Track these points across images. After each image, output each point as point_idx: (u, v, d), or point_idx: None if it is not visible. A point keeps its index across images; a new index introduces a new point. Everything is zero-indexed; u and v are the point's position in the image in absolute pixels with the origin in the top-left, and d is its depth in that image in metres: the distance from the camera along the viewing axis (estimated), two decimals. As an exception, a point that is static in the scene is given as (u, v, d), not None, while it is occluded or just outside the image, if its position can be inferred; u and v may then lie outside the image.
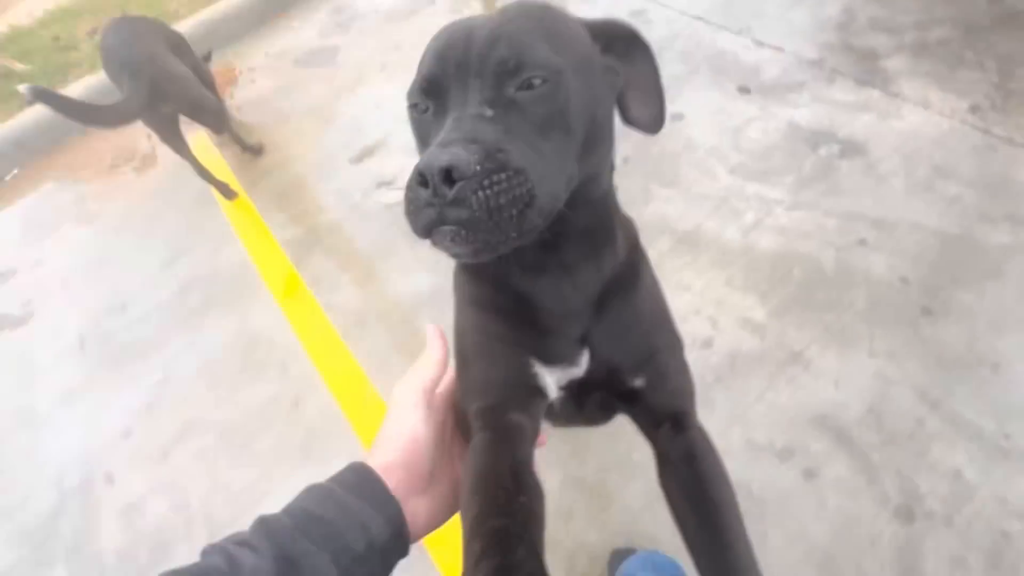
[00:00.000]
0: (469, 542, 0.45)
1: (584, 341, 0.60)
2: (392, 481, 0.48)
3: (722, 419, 1.40)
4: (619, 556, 1.23)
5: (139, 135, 2.85)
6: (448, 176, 0.40)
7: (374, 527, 0.45)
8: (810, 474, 1.30)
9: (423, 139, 0.51)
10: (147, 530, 1.58)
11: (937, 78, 1.92)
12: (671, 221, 1.80)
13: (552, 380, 0.60)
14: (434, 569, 1.32)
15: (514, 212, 0.41)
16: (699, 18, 2.42)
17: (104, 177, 2.74)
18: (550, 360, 0.60)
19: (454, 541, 1.32)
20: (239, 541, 0.43)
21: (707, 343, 1.54)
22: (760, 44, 2.24)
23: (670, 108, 2.12)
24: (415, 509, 0.49)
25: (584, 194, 0.52)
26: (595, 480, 1.37)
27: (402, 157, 2.29)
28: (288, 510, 0.46)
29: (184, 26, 3.05)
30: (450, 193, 0.40)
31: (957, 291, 1.48)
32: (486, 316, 0.62)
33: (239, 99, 2.84)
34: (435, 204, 0.41)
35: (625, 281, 0.60)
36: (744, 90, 2.11)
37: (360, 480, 0.47)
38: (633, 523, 1.30)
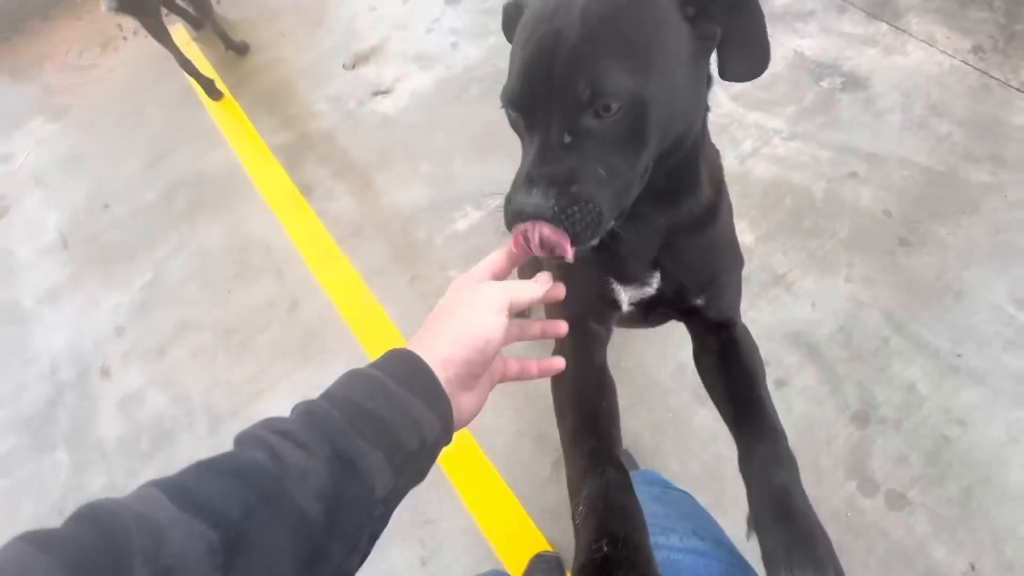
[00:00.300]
0: (572, 453, 0.57)
1: (656, 265, 0.67)
2: (446, 375, 0.45)
3: (705, 333, 1.49)
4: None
5: (107, 21, 2.64)
6: (535, 219, 0.49)
7: (427, 425, 0.41)
8: (781, 383, 1.41)
9: (519, 135, 0.56)
10: (147, 420, 1.63)
11: (946, 15, 1.92)
12: None
13: (626, 296, 0.69)
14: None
15: (588, 231, 0.50)
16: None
17: (71, 69, 2.55)
18: (626, 280, 0.68)
19: (466, 460, 1.41)
20: (281, 431, 0.37)
21: (697, 264, 1.60)
22: (775, -32, 2.17)
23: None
24: (460, 404, 0.47)
25: (667, 155, 0.55)
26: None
27: (399, 65, 2.20)
28: (334, 400, 0.41)
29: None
30: (539, 221, 0.50)
31: (934, 224, 1.56)
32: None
33: (218, -8, 2.63)
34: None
35: (702, 220, 0.65)
36: (754, 16, 2.06)
37: (413, 373, 0.43)
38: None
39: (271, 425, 0.38)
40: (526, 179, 0.49)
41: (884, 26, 1.94)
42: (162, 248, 1.94)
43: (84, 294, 1.90)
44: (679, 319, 0.73)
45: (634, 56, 0.49)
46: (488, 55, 2.14)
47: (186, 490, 0.32)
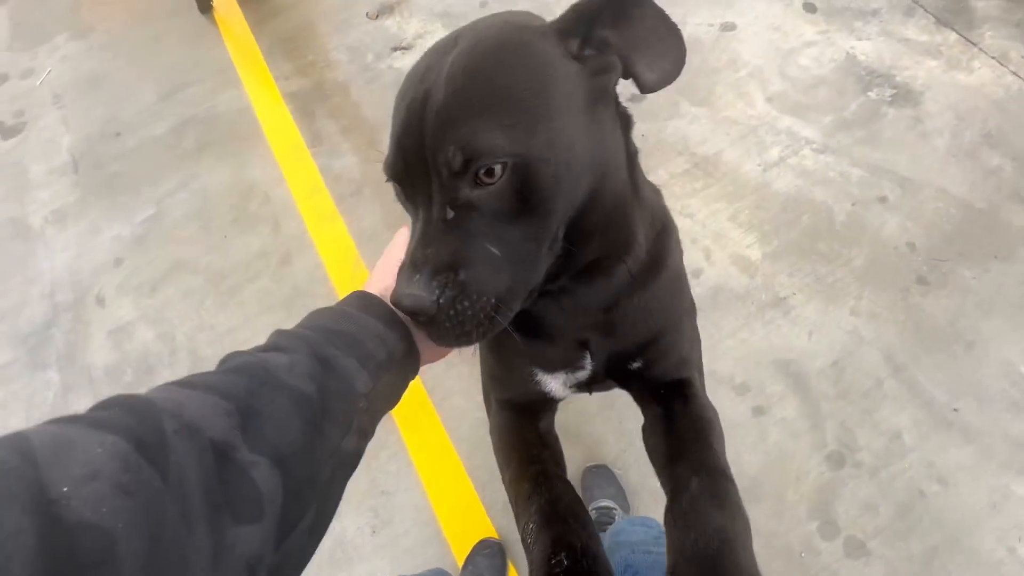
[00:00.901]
0: (516, 483, 0.54)
1: (587, 344, 0.58)
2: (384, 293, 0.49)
3: (691, 347, 1.43)
4: (591, 472, 1.33)
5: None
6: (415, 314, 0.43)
7: (390, 340, 0.46)
8: (759, 411, 1.36)
9: (405, 209, 0.50)
10: (134, 353, 1.67)
11: (1025, 32, 1.72)
12: (692, 143, 1.70)
13: (557, 384, 0.62)
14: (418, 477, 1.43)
15: (480, 326, 0.43)
16: (785, -90, 2.09)
17: (101, -13, 2.51)
18: (553, 368, 0.60)
19: (429, 438, 1.41)
20: (261, 348, 0.42)
21: (696, 273, 1.53)
22: (844, -45, 1.96)
23: (724, 15, 1.91)
24: (419, 338, 0.51)
25: (584, 217, 0.47)
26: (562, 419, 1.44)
27: (424, 20, 2.09)
28: (304, 325, 0.46)
29: None
30: (421, 320, 0.44)
31: (960, 266, 1.45)
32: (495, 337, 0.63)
33: (252, -81, 2.52)
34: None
35: (642, 279, 0.55)
36: (810, 8, 1.88)
37: (367, 303, 0.48)
38: (599, 446, 1.39)
39: (250, 350, 0.41)
40: (409, 264, 0.43)
41: (953, 36, 1.75)
42: (166, 184, 1.94)
43: (88, 220, 1.93)
44: (622, 387, 0.63)
45: (510, 112, 0.41)
46: (517, 20, 2.02)
47: (192, 382, 0.36)
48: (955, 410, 1.31)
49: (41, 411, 1.62)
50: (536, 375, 0.61)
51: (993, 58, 1.69)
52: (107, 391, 1.61)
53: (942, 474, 1.25)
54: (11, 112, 2.23)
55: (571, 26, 0.45)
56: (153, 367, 1.63)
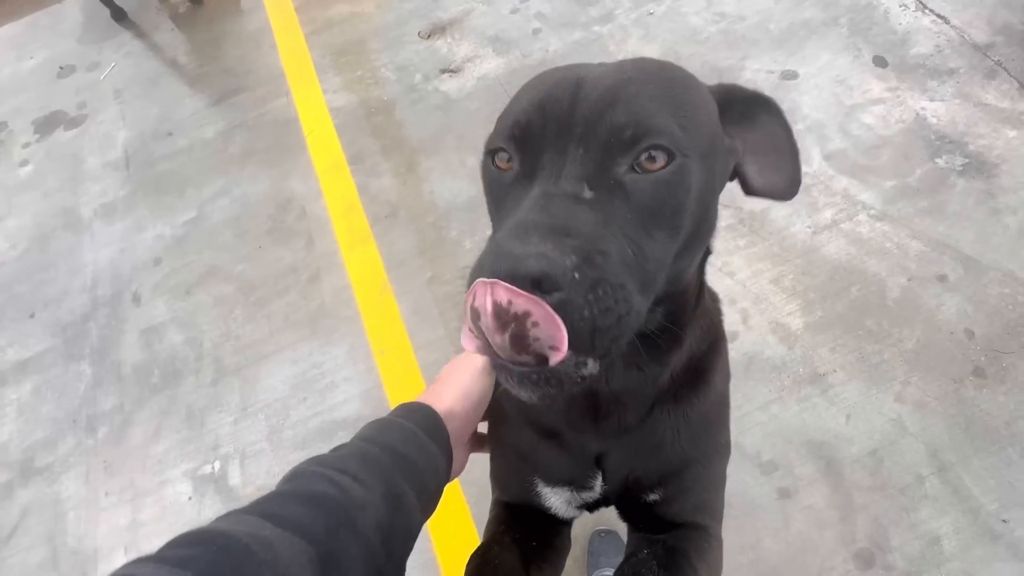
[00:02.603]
0: None
1: (601, 460, 0.53)
2: (449, 428, 0.51)
3: (718, 416, 1.37)
4: (599, 537, 1.28)
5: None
6: (537, 285, 0.30)
7: (442, 471, 0.49)
8: (785, 493, 1.28)
9: (498, 202, 0.41)
10: (162, 355, 1.71)
11: (1121, 107, 1.58)
12: (739, 196, 1.59)
13: (560, 502, 0.56)
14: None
15: (611, 333, 0.33)
16: (862, -46, 1.99)
17: (169, -14, 2.60)
18: (557, 481, 0.55)
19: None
20: (340, 469, 0.42)
21: (731, 337, 1.46)
22: (922, 7, 1.85)
23: (786, 62, 1.83)
24: (456, 455, 0.54)
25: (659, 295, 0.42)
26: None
27: (474, 44, 2.08)
28: (380, 445, 0.47)
29: None
30: (546, 290, 0.31)
31: (1022, 361, 1.33)
32: (504, 414, 0.58)
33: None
34: None
35: (681, 390, 0.50)
36: (880, 62, 1.78)
37: (433, 426, 0.50)
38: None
39: (327, 462, 0.43)
40: (523, 224, 0.33)
41: (1037, 105, 1.62)
42: (210, 188, 1.98)
43: (134, 217, 1.99)
44: (624, 518, 0.57)
45: (682, 116, 0.38)
46: (570, 51, 1.98)
47: (277, 515, 0.36)
48: (1004, 521, 1.20)
49: (71, 403, 1.68)
50: (536, 486, 0.55)
51: (1082, 133, 1.56)
52: (133, 391, 1.66)
53: (983, 591, 1.15)
54: (75, 104, 2.32)
55: (714, 95, 0.44)
56: (179, 371, 1.67)
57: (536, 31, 2.06)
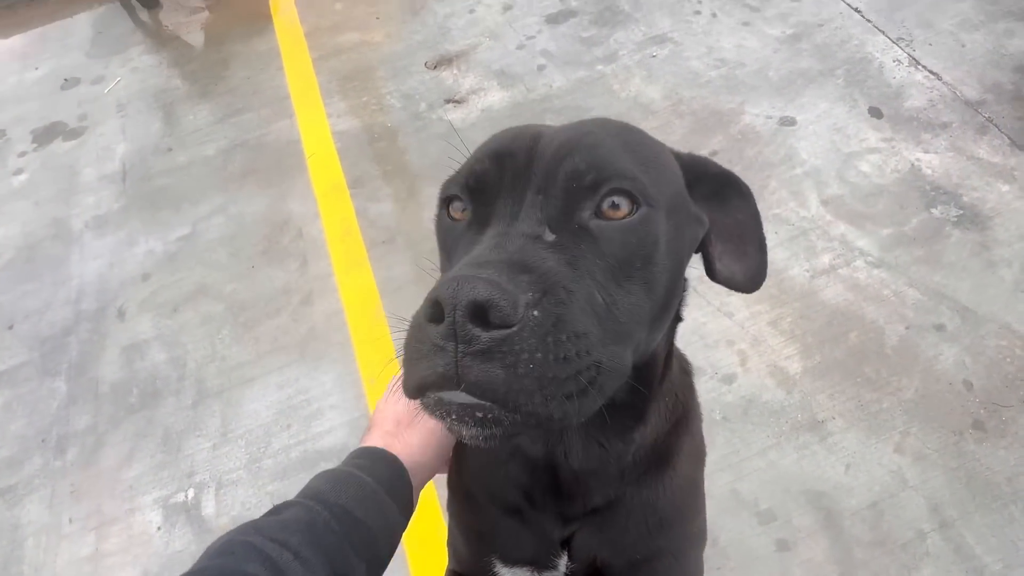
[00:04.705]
0: None
1: (567, 541, 0.49)
2: (414, 480, 0.48)
3: (715, 460, 1.33)
4: None
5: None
6: (482, 314, 0.27)
7: (399, 532, 0.45)
8: (784, 545, 1.24)
9: (449, 252, 0.39)
10: (143, 373, 1.65)
11: (1109, 167, 1.62)
12: None
13: None
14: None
15: (574, 389, 0.29)
16: (857, 10, 2.06)
17: (181, 7, 2.64)
18: (516, 560, 0.50)
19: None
20: (281, 541, 0.37)
21: (728, 379, 1.43)
22: (915, 63, 1.91)
23: (785, 108, 1.87)
24: (418, 477, 0.51)
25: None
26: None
27: (480, 76, 2.11)
28: (331, 508, 0.41)
29: None
30: (483, 336, 0.27)
31: (1023, 415, 1.32)
32: (463, 486, 0.54)
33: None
34: (449, 350, 0.28)
35: (646, 476, 0.47)
36: (876, 113, 1.83)
37: (397, 482, 0.46)
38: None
39: (267, 530, 0.38)
40: (467, 263, 0.31)
41: (1028, 161, 1.66)
42: (206, 205, 1.96)
43: (126, 231, 1.96)
44: None
45: (644, 166, 0.36)
46: (572, 88, 2.02)
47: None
48: (1008, 583, 1.16)
49: (42, 421, 1.60)
50: (494, 565, 0.51)
51: (1071, 191, 1.59)
52: (108, 411, 1.59)
53: (988, 659, 1.10)
54: (75, 115, 2.32)
55: (682, 168, 0.42)
56: (160, 392, 1.61)
57: (541, 67, 2.10)
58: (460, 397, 0.29)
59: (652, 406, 0.45)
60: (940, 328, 1.44)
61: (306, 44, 2.34)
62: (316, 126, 2.09)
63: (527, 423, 0.30)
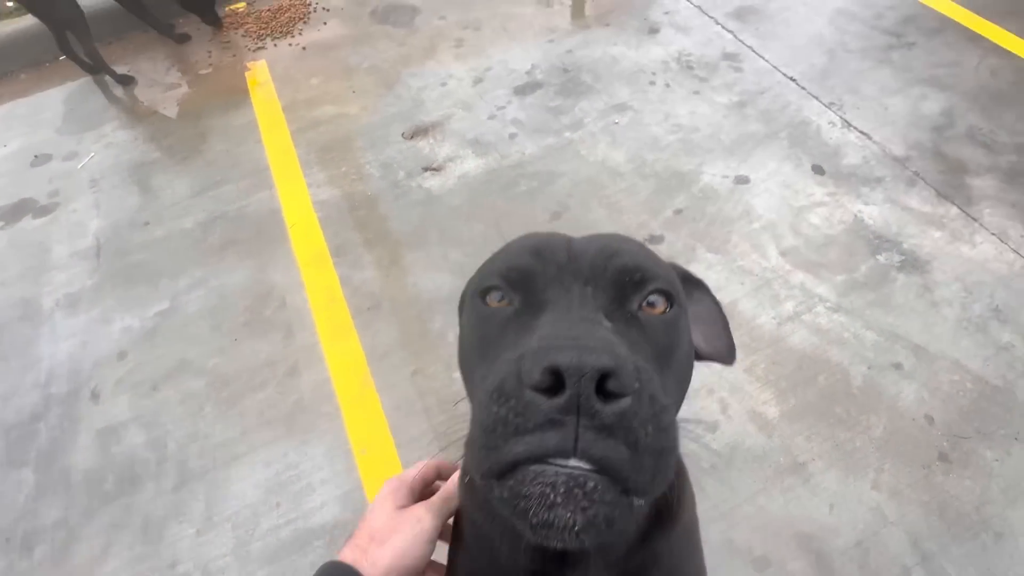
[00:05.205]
0: None
1: None
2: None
3: (706, 510, 1.36)
4: None
5: (200, 43, 2.80)
6: (600, 387, 0.27)
7: None
8: (781, 592, 1.27)
9: (490, 340, 0.38)
10: (119, 458, 1.58)
11: (1022, 211, 1.83)
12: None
13: None
14: None
15: (666, 471, 0.29)
16: (792, 79, 2.31)
17: (156, 83, 2.70)
18: None
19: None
20: None
21: (712, 427, 1.50)
22: (847, 125, 2.14)
23: (739, 168, 2.04)
24: None
25: None
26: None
27: (455, 145, 2.23)
28: None
29: (270, -52, 2.96)
30: (606, 409, 0.27)
31: (981, 445, 1.42)
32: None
33: (306, 38, 2.77)
34: (568, 423, 0.27)
35: (648, 527, 0.47)
36: (819, 170, 2.02)
37: None
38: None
39: None
40: (550, 335, 0.30)
41: (954, 210, 1.86)
42: (185, 278, 1.95)
43: (101, 308, 1.92)
44: None
45: (669, 280, 0.40)
46: (544, 154, 2.15)
47: None
48: (990, 612, 1.22)
49: (8, 516, 1.51)
50: None
51: (994, 235, 1.78)
52: (82, 501, 1.51)
53: None
54: (46, 192, 2.30)
55: None
56: (138, 477, 1.54)
57: (512, 135, 2.23)
58: (571, 477, 0.27)
59: (662, 547, 0.47)
60: (898, 367, 1.56)
61: (284, 117, 2.42)
62: (296, 196, 2.14)
63: (635, 503, 0.29)
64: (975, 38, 2.36)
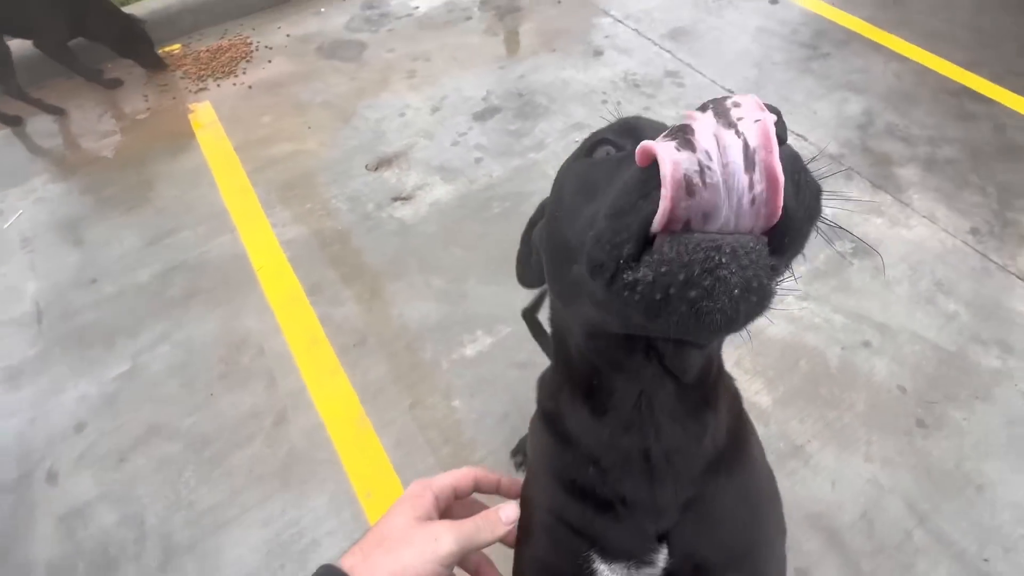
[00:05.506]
0: None
1: (664, 536, 0.50)
2: None
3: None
4: None
5: (134, 88, 2.66)
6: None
7: None
8: (802, 573, 1.31)
9: (597, 185, 0.37)
10: (89, 543, 1.42)
11: (944, 195, 2.05)
12: None
13: None
14: None
15: (809, 235, 0.31)
16: (730, 91, 2.49)
17: (89, 131, 2.52)
18: (615, 556, 0.50)
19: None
20: None
21: (713, 422, 1.54)
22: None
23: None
24: None
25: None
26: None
27: (422, 173, 2.22)
28: None
29: (199, -11, 2.89)
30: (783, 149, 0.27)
31: (949, 408, 1.55)
32: (557, 489, 0.55)
33: (251, 77, 2.70)
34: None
35: (728, 461, 0.50)
36: (767, 171, 2.17)
37: None
38: None
39: None
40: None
41: (888, 198, 2.05)
42: (147, 336, 1.81)
43: (48, 378, 1.74)
44: None
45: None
46: (511, 175, 2.19)
47: None
48: (985, 560, 1.32)
49: (-45, 631, 1.31)
50: (592, 562, 0.50)
51: (925, 217, 1.98)
52: (51, 598, 1.34)
53: (993, 636, 1.22)
54: (-30, 257, 2.07)
55: None
56: (115, 560, 1.39)
57: (478, 160, 2.26)
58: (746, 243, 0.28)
59: (718, 392, 0.49)
60: (867, 344, 1.68)
61: (237, 158, 2.33)
62: (261, 237, 2.05)
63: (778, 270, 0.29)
64: (877, 47, 2.65)
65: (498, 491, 0.60)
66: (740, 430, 0.54)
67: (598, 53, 2.70)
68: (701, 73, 2.56)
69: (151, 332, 1.82)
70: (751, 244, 0.28)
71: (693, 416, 0.47)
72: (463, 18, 2.94)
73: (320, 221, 2.09)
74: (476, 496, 0.60)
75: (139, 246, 2.05)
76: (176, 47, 2.85)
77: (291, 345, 1.76)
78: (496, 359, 1.67)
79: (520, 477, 0.62)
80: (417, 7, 3.05)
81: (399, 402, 1.62)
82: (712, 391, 0.49)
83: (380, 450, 1.53)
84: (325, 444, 1.55)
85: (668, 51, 2.68)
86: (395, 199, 2.14)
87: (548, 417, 0.56)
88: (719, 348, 0.50)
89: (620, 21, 2.86)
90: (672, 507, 0.49)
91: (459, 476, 0.56)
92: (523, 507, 0.57)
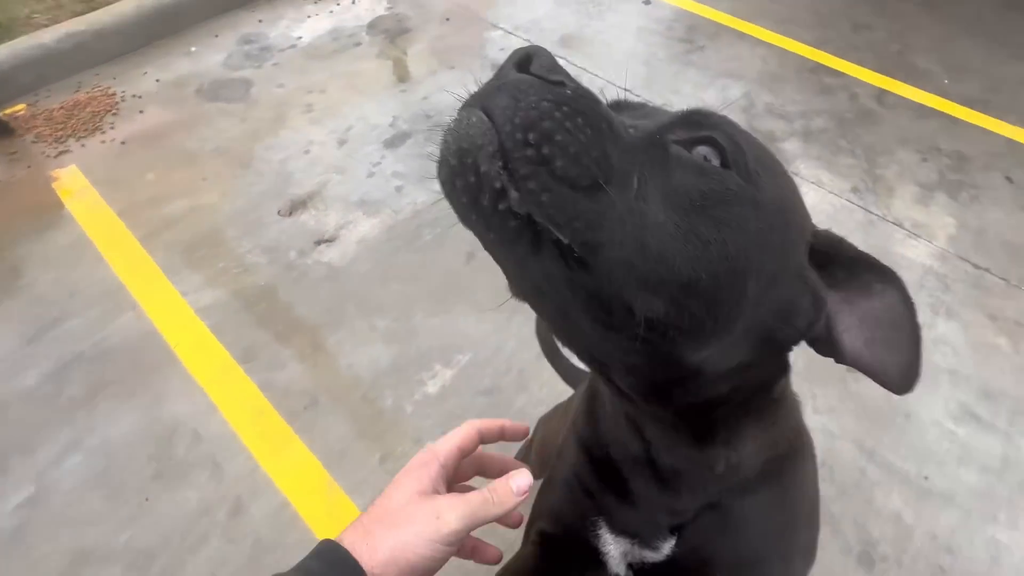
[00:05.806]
0: None
1: (676, 529, 0.52)
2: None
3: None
4: None
5: (-24, 168, 2.27)
6: (525, 64, 0.36)
7: None
8: (785, 531, 1.41)
9: None
10: None
11: (824, 162, 2.30)
12: None
13: (617, 552, 0.54)
14: None
15: (553, 184, 0.32)
16: (627, 91, 2.61)
17: (-80, 220, 2.11)
18: (620, 530, 0.53)
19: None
20: None
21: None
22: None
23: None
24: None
25: (701, 383, 0.42)
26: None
27: (342, 211, 2.11)
28: None
29: (45, 38, 2.53)
30: (512, 76, 0.35)
31: (869, 350, 1.74)
32: (582, 457, 0.60)
33: (121, 132, 2.41)
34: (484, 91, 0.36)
35: (757, 486, 0.51)
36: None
37: None
38: None
39: None
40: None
41: (781, 171, 2.27)
42: (48, 449, 1.55)
43: (-76, 528, 1.42)
44: None
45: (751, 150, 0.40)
46: (436, 199, 2.14)
47: None
48: (925, 478, 1.49)
49: None
50: (599, 527, 0.54)
51: (813, 184, 2.21)
52: None
53: (946, 543, 1.39)
54: None
55: (819, 244, 0.44)
56: None
57: (399, 188, 2.19)
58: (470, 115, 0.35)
59: (737, 431, 0.48)
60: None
61: (123, 224, 2.06)
62: (172, 310, 1.83)
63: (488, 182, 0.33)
64: (742, 36, 2.93)
65: (503, 437, 0.59)
66: (782, 464, 0.53)
67: (496, 65, 2.73)
68: (597, 76, 2.67)
69: (53, 444, 1.55)
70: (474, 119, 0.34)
71: (696, 447, 0.48)
72: (352, 44, 2.84)
73: (238, 280, 1.91)
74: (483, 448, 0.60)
75: (17, 345, 1.75)
76: (20, 107, 2.47)
77: (232, 423, 1.59)
78: (460, 391, 1.62)
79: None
80: (300, 37, 2.89)
81: (367, 459, 1.52)
82: (722, 427, 0.48)
83: (357, 514, 1.42)
84: (294, 523, 1.41)
85: (563, 57, 2.77)
86: (318, 242, 2.01)
87: (589, 391, 0.60)
88: (720, 387, 0.45)
89: (511, 33, 2.91)
90: (687, 511, 0.52)
91: (463, 435, 0.55)
92: (557, 458, 0.62)
